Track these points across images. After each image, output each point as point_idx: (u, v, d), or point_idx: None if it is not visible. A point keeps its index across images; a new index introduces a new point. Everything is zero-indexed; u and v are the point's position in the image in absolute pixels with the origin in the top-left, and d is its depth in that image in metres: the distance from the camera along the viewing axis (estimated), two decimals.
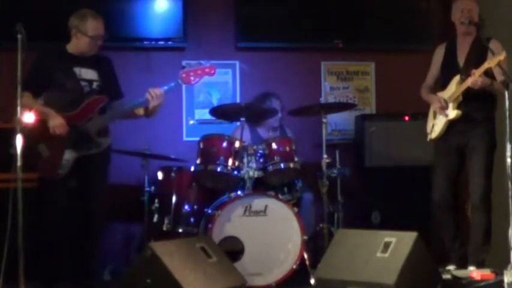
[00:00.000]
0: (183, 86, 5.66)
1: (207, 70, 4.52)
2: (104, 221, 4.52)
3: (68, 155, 4.20)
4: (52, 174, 4.19)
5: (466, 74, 4.46)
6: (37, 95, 4.24)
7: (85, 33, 4.30)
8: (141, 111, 4.45)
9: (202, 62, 4.53)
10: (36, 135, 4.06)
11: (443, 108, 4.57)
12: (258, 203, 4.55)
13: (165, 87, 4.42)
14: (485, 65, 4.32)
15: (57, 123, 4.16)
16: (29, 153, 3.62)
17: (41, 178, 4.21)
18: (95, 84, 4.36)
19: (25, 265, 3.50)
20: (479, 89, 4.40)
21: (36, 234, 3.88)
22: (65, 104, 4.24)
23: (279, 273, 4.50)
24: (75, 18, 4.34)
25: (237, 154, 4.70)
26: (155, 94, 4.33)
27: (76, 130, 4.24)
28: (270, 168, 4.72)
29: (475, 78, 4.34)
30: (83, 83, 4.33)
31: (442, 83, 4.74)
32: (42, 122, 4.15)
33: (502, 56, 4.23)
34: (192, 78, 4.46)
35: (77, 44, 4.35)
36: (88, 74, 4.35)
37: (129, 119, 4.62)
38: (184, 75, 4.46)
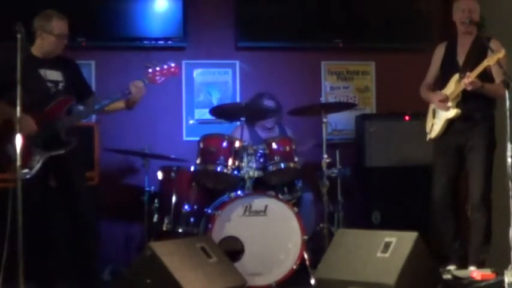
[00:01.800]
0: (183, 86, 5.70)
1: (172, 70, 4.55)
2: (94, 220, 4.49)
3: (38, 155, 4.20)
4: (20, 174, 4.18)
5: (465, 73, 4.45)
6: (1, 94, 4.22)
7: (51, 33, 4.31)
8: (121, 104, 4.49)
9: (169, 62, 4.56)
10: (4, 135, 4.05)
11: (444, 101, 4.56)
12: (258, 203, 4.55)
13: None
14: (484, 63, 4.32)
15: (26, 123, 4.16)
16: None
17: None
18: (60, 85, 4.38)
19: (25, 265, 3.49)
20: (474, 91, 4.40)
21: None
22: (32, 105, 4.23)
23: (279, 273, 4.50)
24: (39, 19, 4.35)
25: (237, 154, 4.69)
26: (137, 86, 4.40)
27: (45, 130, 4.24)
28: (270, 168, 4.71)
29: (468, 81, 4.34)
30: (49, 84, 4.35)
31: (441, 82, 4.74)
32: (9, 122, 4.14)
33: (501, 54, 4.22)
34: (157, 77, 4.50)
35: (42, 45, 4.35)
36: (53, 75, 4.38)
37: (107, 113, 4.63)
38: (150, 74, 4.48)
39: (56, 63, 4.40)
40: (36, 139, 4.20)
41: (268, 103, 5.34)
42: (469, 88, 4.37)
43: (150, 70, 4.48)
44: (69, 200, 4.35)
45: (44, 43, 4.35)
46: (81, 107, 4.50)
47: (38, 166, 4.19)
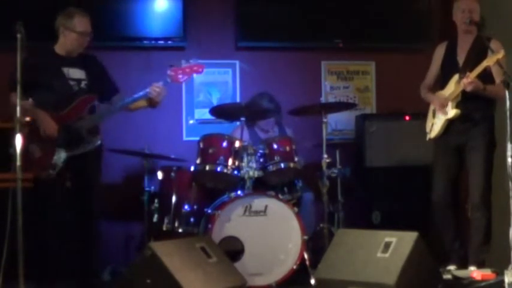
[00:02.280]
0: (183, 86, 5.70)
1: (195, 68, 4.53)
2: (101, 220, 4.51)
3: (59, 154, 4.21)
4: (44, 174, 4.19)
5: (465, 73, 4.45)
6: (26, 95, 4.23)
7: (73, 30, 4.32)
8: (144, 103, 4.49)
9: (191, 60, 4.54)
10: (27, 135, 4.06)
11: (443, 106, 4.57)
12: (258, 202, 4.55)
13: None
14: (484, 63, 4.32)
15: (47, 126, 4.17)
16: (20, 153, 3.61)
17: (36, 178, 4.21)
18: (83, 83, 4.39)
19: (24, 265, 3.49)
20: (474, 91, 4.40)
21: (34, 234, 3.87)
22: (55, 104, 4.25)
23: (279, 273, 4.49)
24: (61, 17, 4.37)
25: (237, 154, 4.69)
26: (158, 89, 4.39)
27: (67, 129, 4.25)
28: (270, 168, 4.71)
29: (468, 81, 4.34)
30: (72, 83, 4.36)
31: (441, 82, 4.74)
32: (32, 122, 4.15)
33: (500, 55, 4.22)
34: (180, 76, 4.48)
35: (65, 43, 4.37)
36: (76, 73, 4.38)
37: (131, 112, 4.63)
38: (172, 73, 4.47)
39: (79, 61, 4.41)
40: (58, 139, 4.20)
41: (267, 105, 5.33)
42: (468, 89, 4.37)
43: (172, 69, 4.47)
44: (84, 200, 4.36)
45: (67, 41, 4.36)
46: (103, 106, 4.50)
47: (60, 165, 4.20)
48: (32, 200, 3.57)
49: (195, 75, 4.62)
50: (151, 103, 4.50)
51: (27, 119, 3.92)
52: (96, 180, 4.46)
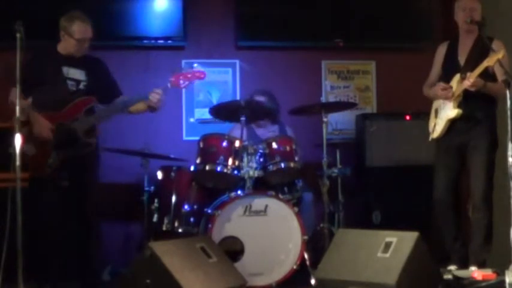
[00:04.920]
0: None
1: (197, 74, 4.54)
2: (97, 221, 4.50)
3: (55, 155, 4.20)
4: (39, 172, 4.18)
5: (466, 73, 4.44)
6: (26, 94, 4.23)
7: (71, 36, 4.33)
8: (144, 106, 4.50)
9: (194, 66, 4.55)
10: (22, 134, 4.05)
11: (446, 89, 4.53)
12: (258, 202, 4.54)
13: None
14: (484, 64, 4.31)
15: (39, 128, 4.17)
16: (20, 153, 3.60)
17: (31, 178, 4.20)
18: (81, 84, 4.39)
19: (24, 265, 3.48)
20: (476, 90, 4.39)
21: (29, 233, 3.85)
22: (51, 103, 4.24)
23: (279, 273, 4.49)
24: (64, 20, 4.38)
25: (237, 153, 4.68)
26: (158, 94, 4.41)
27: (63, 130, 4.24)
28: (270, 167, 4.70)
29: (469, 81, 4.33)
30: (70, 82, 4.36)
31: (443, 82, 4.72)
32: (28, 122, 4.14)
33: (500, 55, 4.21)
34: (181, 81, 4.48)
35: (65, 46, 4.39)
36: (76, 74, 4.39)
37: (132, 114, 4.64)
38: (173, 79, 4.47)
39: (80, 62, 4.42)
40: (54, 139, 4.20)
41: (259, 99, 5.32)
42: (471, 89, 4.36)
43: (174, 75, 4.47)
44: (78, 200, 4.36)
45: (66, 44, 4.38)
46: (101, 108, 4.48)
47: (55, 164, 4.19)
48: (26, 200, 3.55)
49: (194, 80, 4.61)
50: (151, 108, 4.52)
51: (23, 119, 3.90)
52: (93, 182, 4.45)
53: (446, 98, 4.56)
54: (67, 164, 4.26)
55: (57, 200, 4.27)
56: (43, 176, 4.19)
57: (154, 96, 4.41)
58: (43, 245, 4.26)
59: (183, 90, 5.76)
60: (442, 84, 4.59)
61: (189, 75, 4.52)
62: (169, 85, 4.48)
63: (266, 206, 4.54)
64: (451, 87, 4.52)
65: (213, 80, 5.86)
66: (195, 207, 4.81)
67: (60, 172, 4.25)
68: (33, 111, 4.17)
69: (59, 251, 4.34)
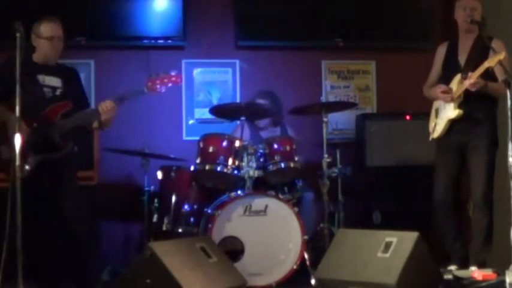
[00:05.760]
0: (182, 86, 5.68)
1: (173, 79, 4.51)
2: (85, 223, 4.44)
3: (31, 158, 4.19)
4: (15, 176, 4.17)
5: (466, 73, 4.43)
6: (3, 99, 4.21)
7: (41, 36, 4.32)
8: (95, 124, 4.40)
9: (171, 71, 4.51)
10: None
11: (446, 92, 4.53)
12: (258, 202, 4.54)
13: (123, 96, 4.40)
14: (485, 65, 4.30)
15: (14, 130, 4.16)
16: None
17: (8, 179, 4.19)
18: (58, 91, 4.38)
19: (24, 265, 3.48)
20: (478, 90, 4.38)
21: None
22: (28, 109, 4.21)
23: (279, 273, 4.48)
24: (33, 26, 4.36)
25: (237, 153, 4.67)
26: (106, 108, 4.30)
27: (39, 133, 4.23)
28: (271, 167, 4.70)
29: (470, 82, 4.33)
30: (46, 89, 4.35)
31: (443, 82, 4.71)
32: (1, 124, 4.13)
33: (501, 56, 4.20)
34: (158, 86, 4.45)
35: (39, 51, 4.37)
36: (52, 81, 4.38)
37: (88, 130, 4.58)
38: (150, 83, 4.44)
39: (56, 70, 4.42)
40: (30, 142, 4.18)
41: (261, 101, 5.32)
42: (472, 89, 4.36)
43: (150, 79, 4.45)
44: (57, 204, 4.33)
45: (40, 48, 4.36)
46: (79, 113, 4.45)
47: (29, 169, 4.18)
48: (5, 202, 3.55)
49: (170, 85, 4.55)
50: (101, 125, 4.39)
51: None
52: (70, 185, 4.40)
53: (446, 101, 4.55)
54: (46, 168, 4.24)
55: (36, 202, 4.24)
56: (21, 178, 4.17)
57: (103, 108, 4.28)
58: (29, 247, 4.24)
59: (183, 90, 5.76)
60: (442, 87, 4.58)
61: (166, 80, 4.48)
62: (145, 89, 4.45)
63: (266, 206, 4.54)
64: (451, 90, 4.51)
65: (213, 80, 5.86)
66: (195, 207, 4.81)
67: (39, 175, 4.23)
68: (8, 112, 4.14)
69: (45, 252, 4.32)
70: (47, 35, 4.32)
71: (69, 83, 4.44)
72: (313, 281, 4.21)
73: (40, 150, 4.22)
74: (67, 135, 4.34)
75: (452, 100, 4.51)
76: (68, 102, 4.37)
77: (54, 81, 4.39)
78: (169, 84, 4.49)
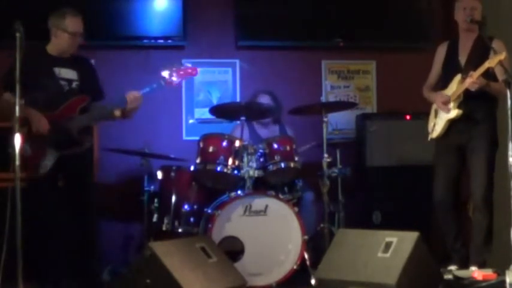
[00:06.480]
0: (183, 85, 5.68)
1: (189, 71, 4.51)
2: (96, 220, 4.48)
3: (50, 154, 4.20)
4: (34, 173, 4.17)
5: (467, 73, 4.43)
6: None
7: (65, 30, 4.31)
8: (118, 112, 4.43)
9: (185, 63, 4.52)
10: (22, 133, 4.04)
11: (446, 103, 4.54)
12: (258, 202, 4.53)
13: (147, 89, 4.42)
14: (486, 65, 4.30)
15: (39, 122, 4.16)
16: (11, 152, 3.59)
17: (27, 178, 4.19)
18: (74, 84, 4.38)
19: (24, 265, 3.48)
20: (478, 90, 4.38)
21: (29, 234, 3.85)
22: (45, 104, 4.23)
23: (279, 273, 4.48)
24: (53, 17, 4.36)
25: (237, 153, 4.67)
26: (134, 97, 4.34)
27: (58, 129, 4.23)
28: (271, 167, 4.69)
29: (472, 80, 4.33)
30: (62, 82, 4.35)
31: (443, 82, 4.72)
32: (24, 121, 4.13)
33: (502, 56, 4.20)
34: (174, 79, 4.44)
35: (57, 43, 4.36)
36: (68, 73, 4.37)
37: (107, 121, 4.60)
38: (166, 76, 4.44)
39: (71, 62, 4.41)
40: (49, 138, 4.19)
41: (263, 100, 5.33)
42: (474, 88, 4.35)
43: (166, 71, 4.44)
44: (75, 200, 4.34)
45: (59, 41, 4.36)
46: (97, 107, 4.45)
47: (50, 165, 4.18)
48: (24, 200, 3.54)
49: (187, 77, 4.56)
50: (124, 114, 4.42)
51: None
52: (89, 181, 4.44)
53: (444, 111, 4.55)
54: (63, 164, 4.24)
55: (54, 200, 4.26)
56: (39, 176, 4.18)
57: (131, 99, 4.32)
58: (42, 246, 4.24)
59: (183, 90, 5.76)
60: (443, 96, 4.57)
61: (182, 72, 4.49)
62: (162, 82, 4.45)
63: (266, 206, 4.53)
64: (449, 100, 4.50)
65: (213, 80, 5.86)
66: (195, 207, 4.81)
67: (56, 172, 4.24)
68: (29, 108, 4.14)
69: (58, 251, 4.32)
70: (72, 30, 4.32)
71: (84, 75, 4.42)
72: (313, 281, 4.20)
73: (59, 147, 4.22)
74: (85, 131, 4.34)
75: (448, 111, 4.52)
76: (85, 96, 4.36)
77: (70, 73, 4.38)
78: (186, 77, 4.50)
